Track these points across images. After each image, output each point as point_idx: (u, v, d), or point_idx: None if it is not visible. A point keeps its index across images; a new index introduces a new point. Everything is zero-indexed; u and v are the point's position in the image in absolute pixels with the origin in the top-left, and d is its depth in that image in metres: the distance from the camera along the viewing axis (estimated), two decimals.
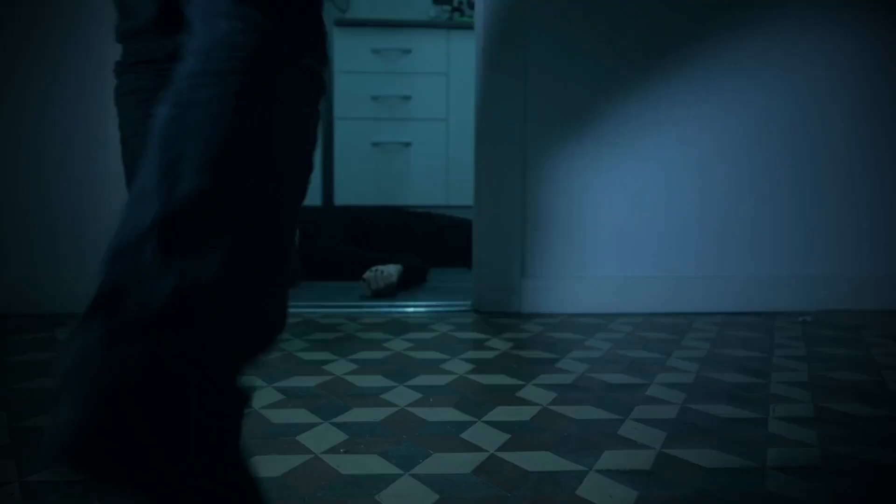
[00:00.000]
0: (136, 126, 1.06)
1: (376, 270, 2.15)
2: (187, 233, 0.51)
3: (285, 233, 0.61)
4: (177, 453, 0.49)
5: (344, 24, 3.46)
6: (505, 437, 1.00)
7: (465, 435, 1.00)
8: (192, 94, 0.54)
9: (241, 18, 0.56)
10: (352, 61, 3.40)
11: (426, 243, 2.69)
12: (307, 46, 0.60)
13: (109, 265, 0.52)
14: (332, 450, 0.94)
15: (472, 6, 3.81)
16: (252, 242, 0.55)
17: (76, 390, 0.46)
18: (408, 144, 3.49)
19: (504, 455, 0.93)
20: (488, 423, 1.05)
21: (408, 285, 2.30)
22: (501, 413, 1.10)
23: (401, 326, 1.74)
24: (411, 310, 1.96)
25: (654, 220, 1.96)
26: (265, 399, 1.15)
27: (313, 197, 3.30)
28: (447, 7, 3.87)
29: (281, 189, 0.58)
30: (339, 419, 1.06)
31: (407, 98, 3.47)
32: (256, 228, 0.55)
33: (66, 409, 0.46)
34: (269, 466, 0.88)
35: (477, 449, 0.95)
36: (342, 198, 3.43)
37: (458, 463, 0.90)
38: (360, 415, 1.08)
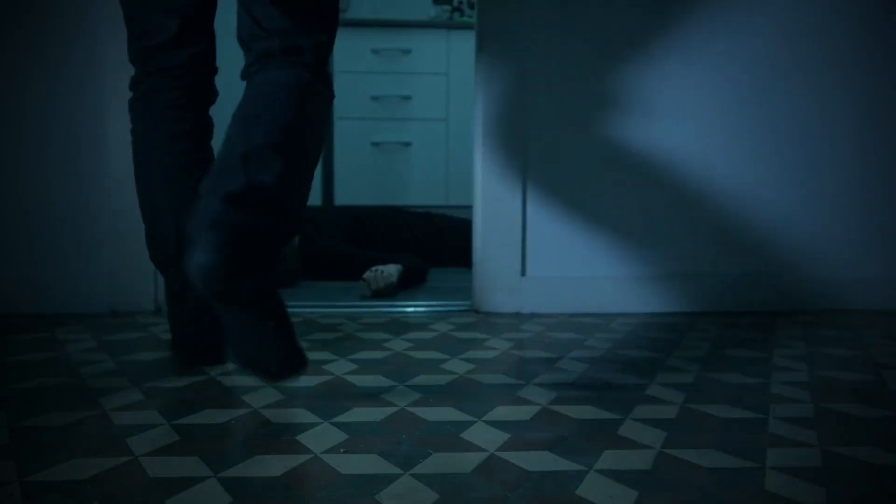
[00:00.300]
0: (149, 121, 1.30)
1: (376, 270, 2.15)
2: (256, 161, 1.04)
3: (307, 176, 1.13)
4: (254, 273, 1.02)
5: (344, 24, 3.46)
6: (505, 436, 1.00)
7: (465, 435, 1.00)
8: (263, 100, 1.11)
9: (305, 65, 1.15)
10: (352, 61, 3.40)
11: (426, 243, 2.69)
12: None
13: (217, 174, 1.05)
14: (332, 450, 0.94)
15: (472, 6, 3.82)
16: (291, 172, 1.07)
17: (205, 235, 0.98)
18: (408, 144, 3.49)
19: (504, 455, 0.93)
20: (488, 422, 1.05)
21: (408, 285, 2.30)
22: (501, 413, 1.10)
23: (401, 326, 1.74)
24: (411, 310, 1.96)
25: (654, 219, 1.96)
26: (265, 399, 1.15)
27: (314, 197, 3.30)
28: (447, 7, 3.87)
29: (308, 148, 1.12)
30: (339, 419, 1.06)
31: (407, 98, 3.47)
32: (292, 164, 1.07)
33: (202, 250, 0.98)
34: (269, 466, 0.88)
35: (477, 449, 0.95)
36: (342, 198, 3.43)
37: (458, 463, 0.90)
38: (360, 415, 1.08)
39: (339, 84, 3.39)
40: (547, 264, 1.95)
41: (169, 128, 1.27)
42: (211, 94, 1.34)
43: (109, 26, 1.80)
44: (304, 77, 1.13)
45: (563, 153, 1.94)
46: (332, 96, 1.21)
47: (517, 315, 1.90)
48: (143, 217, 1.30)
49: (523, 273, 1.94)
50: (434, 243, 2.70)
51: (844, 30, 1.97)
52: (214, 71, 1.35)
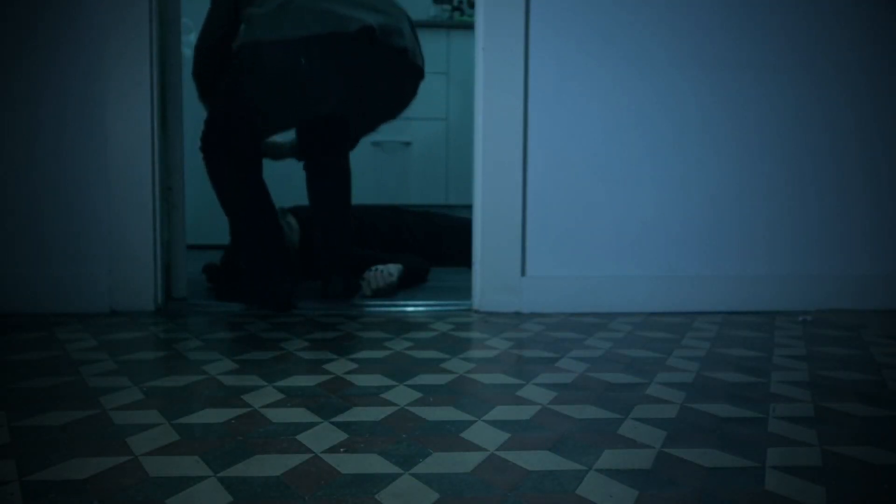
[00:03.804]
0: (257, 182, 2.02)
1: (376, 269, 2.15)
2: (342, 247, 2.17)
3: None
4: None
5: None
6: (505, 436, 1.00)
7: (465, 434, 1.00)
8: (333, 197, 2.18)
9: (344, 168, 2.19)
10: None
11: (426, 243, 2.69)
12: None
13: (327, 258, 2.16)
14: (332, 449, 0.94)
15: (472, 5, 3.81)
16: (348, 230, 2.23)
17: (341, 269, 2.11)
18: (408, 144, 3.49)
19: (504, 454, 0.93)
20: (488, 422, 1.05)
21: (408, 285, 2.30)
22: (501, 412, 1.10)
23: (401, 326, 1.74)
24: (411, 309, 1.96)
25: (654, 219, 1.96)
26: (265, 398, 1.15)
27: None
28: (447, 6, 3.87)
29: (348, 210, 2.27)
30: (339, 418, 1.06)
31: None
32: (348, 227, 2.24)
33: (339, 281, 2.08)
34: (269, 466, 0.88)
35: (477, 448, 0.95)
36: None
37: (458, 462, 0.90)
38: (359, 414, 1.08)
39: None
40: (547, 264, 1.95)
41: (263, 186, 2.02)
42: None
43: (109, 26, 1.80)
44: (344, 173, 2.17)
45: (563, 153, 1.93)
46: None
47: (517, 315, 1.90)
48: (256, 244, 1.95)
49: (523, 273, 1.94)
50: (434, 243, 2.70)
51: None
52: None
